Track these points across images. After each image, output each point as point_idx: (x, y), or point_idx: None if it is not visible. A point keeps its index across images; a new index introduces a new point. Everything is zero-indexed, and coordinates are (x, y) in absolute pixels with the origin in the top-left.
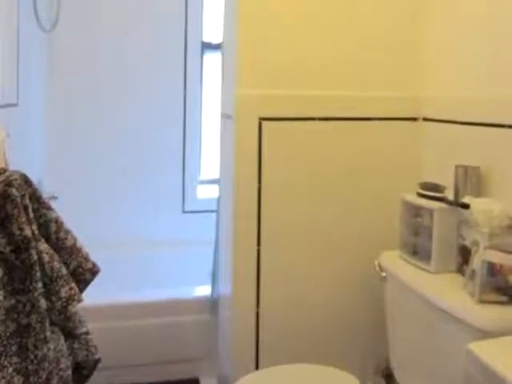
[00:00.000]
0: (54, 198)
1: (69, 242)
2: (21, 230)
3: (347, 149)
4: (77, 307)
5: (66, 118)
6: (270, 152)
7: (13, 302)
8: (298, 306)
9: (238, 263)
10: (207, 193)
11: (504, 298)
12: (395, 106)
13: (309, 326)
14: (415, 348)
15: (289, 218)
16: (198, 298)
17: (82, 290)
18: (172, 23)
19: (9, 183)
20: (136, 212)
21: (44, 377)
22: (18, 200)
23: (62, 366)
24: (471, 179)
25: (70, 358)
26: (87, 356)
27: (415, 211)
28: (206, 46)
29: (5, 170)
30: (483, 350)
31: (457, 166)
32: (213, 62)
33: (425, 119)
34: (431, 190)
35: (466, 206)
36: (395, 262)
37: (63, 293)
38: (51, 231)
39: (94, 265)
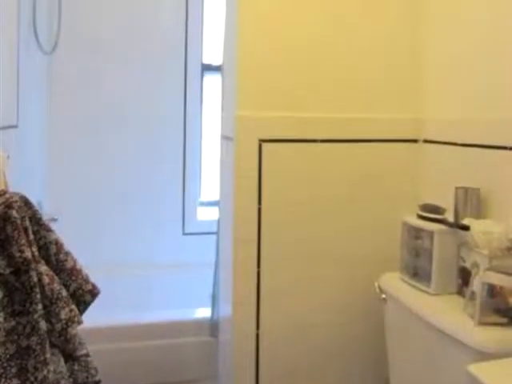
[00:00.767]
0: (54, 220)
1: (69, 264)
2: (21, 251)
3: (348, 170)
4: (77, 329)
5: (65, 140)
6: (270, 174)
7: (13, 323)
8: (297, 327)
9: (238, 285)
10: (207, 215)
11: (504, 320)
12: (396, 127)
13: (308, 348)
14: (415, 369)
15: (289, 240)
16: (198, 319)
17: (82, 312)
18: (172, 45)
19: (9, 205)
20: (136, 233)
21: None
22: (18, 222)
23: None
24: (471, 201)
25: (70, 380)
26: (87, 378)
27: (415, 233)
28: (206, 68)
29: (5, 192)
30: (483, 371)
31: (457, 188)
32: (213, 83)
33: (425, 141)
34: (431, 211)
35: (466, 228)
36: (395, 284)
37: (63, 315)
38: (51, 253)
39: (93, 286)
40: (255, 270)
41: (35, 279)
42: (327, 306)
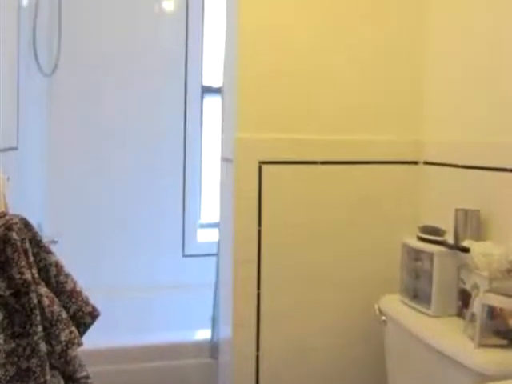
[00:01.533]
0: (54, 242)
1: (69, 286)
2: (21, 273)
3: (348, 192)
4: (77, 351)
5: (65, 162)
6: (270, 195)
7: (13, 345)
8: (297, 349)
9: (238, 307)
10: (207, 236)
11: (504, 342)
12: (396, 149)
13: (308, 370)
14: None
15: (289, 262)
16: (199, 341)
17: (82, 334)
18: (172, 66)
19: (9, 227)
20: (136, 255)
21: None
22: (18, 244)
23: None
24: (471, 223)
25: None
26: None
27: (415, 255)
28: (206, 90)
29: (5, 214)
30: None
31: (457, 210)
32: (213, 105)
33: (425, 163)
34: (431, 233)
35: (466, 250)
36: (395, 306)
37: (63, 336)
38: (51, 275)
39: (93, 308)
40: (255, 291)
41: (35, 301)
42: (327, 328)
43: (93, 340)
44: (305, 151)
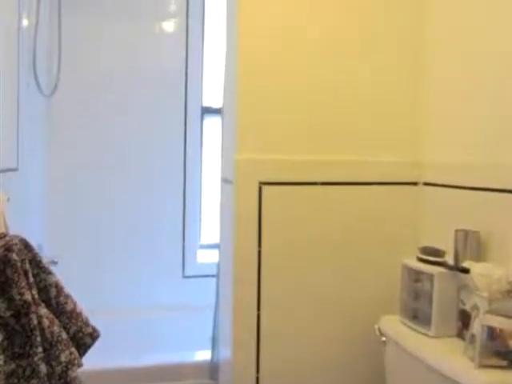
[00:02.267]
0: (54, 262)
1: (69, 307)
2: (21, 294)
3: (348, 213)
4: (77, 372)
5: (65, 183)
6: (270, 216)
7: (13, 366)
8: (298, 370)
9: (238, 328)
10: (207, 257)
11: (504, 363)
12: (396, 170)
13: None
14: None
15: (289, 283)
16: (198, 362)
17: (82, 355)
18: (172, 87)
19: (9, 248)
20: (136, 276)
21: None
22: (18, 265)
23: None
24: (471, 244)
25: None
26: None
27: (415, 276)
28: (206, 111)
29: (5, 235)
30: None
31: (457, 231)
32: (213, 126)
33: (425, 184)
34: (431, 254)
35: (466, 271)
36: (395, 327)
37: (63, 357)
38: (51, 296)
39: (94, 329)
40: (255, 312)
41: (35, 322)
42: (327, 349)
43: (93, 361)
44: (305, 172)
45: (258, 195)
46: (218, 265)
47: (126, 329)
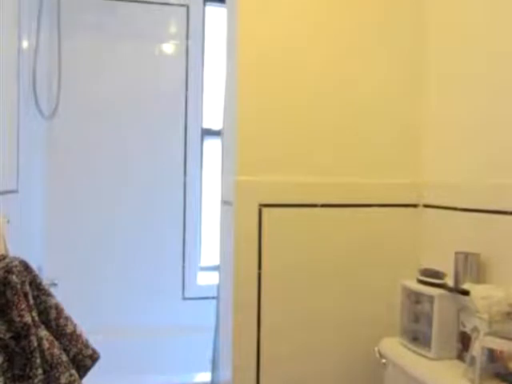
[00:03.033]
0: (54, 284)
1: (69, 329)
2: (21, 316)
3: (348, 235)
4: None
5: (65, 205)
6: (270, 238)
7: None
8: None
9: (238, 350)
10: (207, 279)
11: None
12: (396, 192)
13: None
14: None
15: (289, 305)
16: None
17: (82, 377)
18: (172, 109)
19: (9, 270)
20: (136, 298)
21: None
22: (18, 287)
23: None
24: (471, 266)
25: None
26: None
27: (415, 297)
28: (206, 132)
29: (5, 257)
30: None
31: (457, 253)
32: (213, 147)
33: (425, 206)
34: (431, 276)
35: (466, 293)
36: (395, 349)
37: (63, 379)
38: (51, 318)
39: (93, 351)
40: (255, 335)
41: (35, 344)
42: (328, 371)
43: (93, 382)
44: (305, 194)
45: (258, 217)
46: (218, 287)
47: (126, 350)
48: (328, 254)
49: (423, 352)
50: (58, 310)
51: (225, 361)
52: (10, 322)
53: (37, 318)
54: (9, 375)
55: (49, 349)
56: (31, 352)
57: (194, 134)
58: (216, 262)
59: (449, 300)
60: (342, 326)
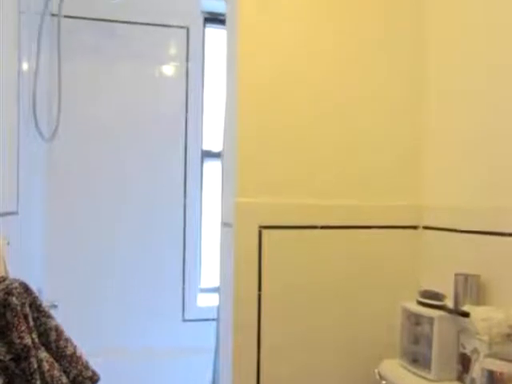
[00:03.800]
0: (54, 306)
1: (69, 351)
2: (21, 338)
3: (348, 256)
4: None
5: (65, 227)
6: (270, 260)
7: None
8: None
9: (238, 372)
10: (207, 301)
11: None
12: (396, 214)
13: None
14: None
15: (289, 326)
16: None
17: None
18: (172, 131)
19: (9, 292)
20: (136, 320)
21: None
22: (18, 308)
23: None
24: (471, 287)
25: None
26: None
27: (415, 319)
28: (206, 154)
29: (5, 279)
30: None
31: (457, 275)
32: (213, 169)
33: (425, 227)
34: (431, 298)
35: (466, 315)
36: (395, 371)
37: None
38: (51, 339)
39: (93, 373)
40: (255, 356)
41: (35, 366)
42: None
43: None
44: (305, 216)
45: (258, 239)
46: (218, 308)
47: (126, 372)
48: (328, 276)
49: (423, 374)
50: (58, 332)
51: (225, 382)
52: (10, 344)
53: (37, 340)
54: None
55: (49, 370)
56: (31, 374)
57: (194, 156)
58: (216, 283)
59: (449, 322)
60: (342, 348)
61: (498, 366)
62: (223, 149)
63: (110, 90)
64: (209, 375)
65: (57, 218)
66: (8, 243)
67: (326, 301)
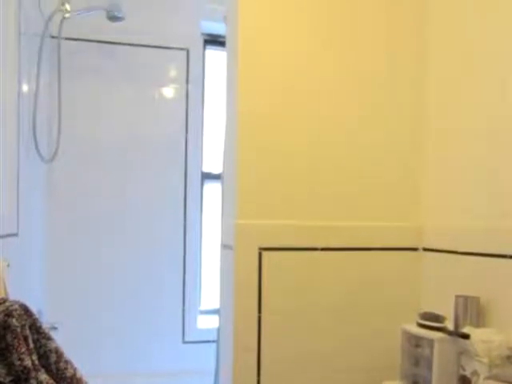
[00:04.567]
0: (55, 328)
1: (69, 373)
2: (21, 360)
3: (347, 278)
4: None
5: (65, 248)
6: (270, 282)
7: None
8: None
9: None
10: (207, 323)
11: None
12: (396, 236)
13: None
14: None
15: (289, 348)
16: None
17: None
18: (172, 153)
19: (9, 313)
20: (136, 342)
21: None
22: (18, 330)
23: None
24: (471, 309)
25: None
26: None
27: (415, 341)
28: (206, 176)
29: (5, 300)
30: None
31: (457, 296)
32: (213, 192)
33: (425, 249)
34: (431, 320)
35: (466, 337)
36: None
37: None
38: (51, 361)
39: None
40: (255, 379)
41: None
42: None
43: None
44: (305, 237)
45: (258, 260)
46: (218, 330)
47: None
48: (328, 298)
49: None
50: (58, 354)
51: None
52: (10, 366)
53: (37, 362)
54: None
55: None
56: None
57: (194, 178)
58: (216, 305)
59: (449, 343)
60: (342, 369)
61: None
62: (223, 171)
63: (110, 111)
64: None
65: (57, 239)
66: (8, 265)
67: (325, 322)
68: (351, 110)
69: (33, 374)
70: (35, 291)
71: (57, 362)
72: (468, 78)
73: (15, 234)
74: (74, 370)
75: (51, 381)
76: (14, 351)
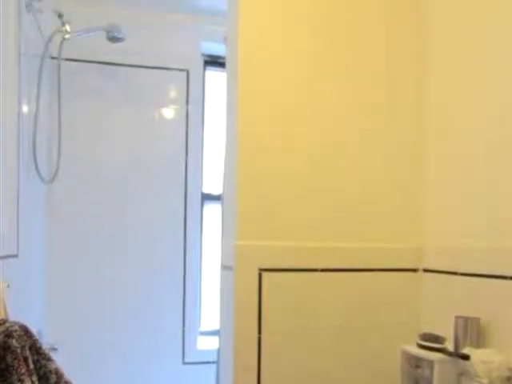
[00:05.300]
0: (54, 349)
1: None
2: (21, 381)
3: (347, 299)
4: None
5: (65, 269)
6: (270, 303)
7: None
8: None
9: None
10: (207, 344)
11: None
12: (396, 257)
13: None
14: None
15: (289, 369)
16: None
17: None
18: (172, 174)
19: (9, 334)
20: (136, 363)
21: None
22: (18, 351)
23: None
24: (471, 330)
25: None
26: None
27: (415, 362)
28: (206, 197)
29: (5, 321)
30: None
31: (457, 317)
32: (213, 212)
33: (425, 270)
34: (431, 340)
35: (466, 357)
36: None
37: None
38: (51, 382)
39: None
40: None
41: None
42: None
43: None
44: (305, 259)
45: (258, 281)
46: (218, 351)
47: None
48: (328, 318)
49: None
50: (58, 375)
51: None
52: None
53: (37, 383)
54: None
55: None
56: None
57: (194, 199)
58: (216, 326)
59: (449, 364)
60: None
61: None
62: (223, 192)
63: (109, 132)
64: None
65: (57, 260)
66: (8, 286)
67: (325, 343)
68: (352, 135)
69: None
70: (35, 312)
71: (57, 383)
72: (467, 103)
73: (15, 255)
74: None
75: None
76: (14, 372)
